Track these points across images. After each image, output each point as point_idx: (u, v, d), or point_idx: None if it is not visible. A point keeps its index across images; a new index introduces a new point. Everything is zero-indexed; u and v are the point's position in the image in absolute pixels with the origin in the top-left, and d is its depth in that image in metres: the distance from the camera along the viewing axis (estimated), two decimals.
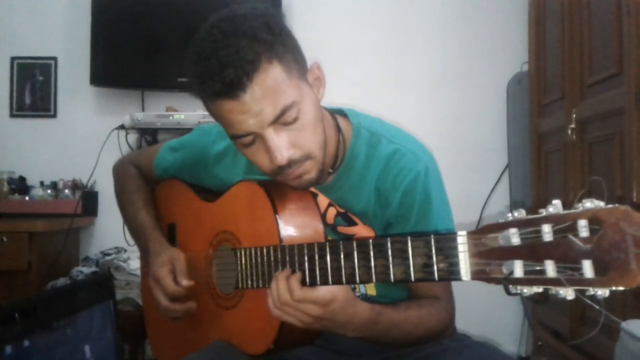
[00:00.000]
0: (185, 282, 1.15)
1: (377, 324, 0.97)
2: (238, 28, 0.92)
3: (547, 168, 2.37)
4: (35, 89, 2.87)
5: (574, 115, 2.02)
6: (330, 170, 1.11)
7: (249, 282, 1.05)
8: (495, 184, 2.80)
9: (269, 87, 0.92)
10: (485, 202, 2.78)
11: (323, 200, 1.13)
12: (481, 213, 2.78)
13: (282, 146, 0.96)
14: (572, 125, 2.02)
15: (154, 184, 1.39)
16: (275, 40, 0.94)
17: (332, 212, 1.13)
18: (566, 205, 0.64)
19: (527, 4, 2.54)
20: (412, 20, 2.86)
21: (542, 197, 2.38)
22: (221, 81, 0.90)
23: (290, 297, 0.91)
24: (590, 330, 1.88)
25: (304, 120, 0.97)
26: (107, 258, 2.49)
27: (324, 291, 0.90)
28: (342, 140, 1.11)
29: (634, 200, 1.60)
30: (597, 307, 0.61)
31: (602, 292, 0.59)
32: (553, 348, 2.20)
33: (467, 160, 2.78)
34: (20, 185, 2.69)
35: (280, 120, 0.94)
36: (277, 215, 1.02)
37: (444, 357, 1.04)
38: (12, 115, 2.88)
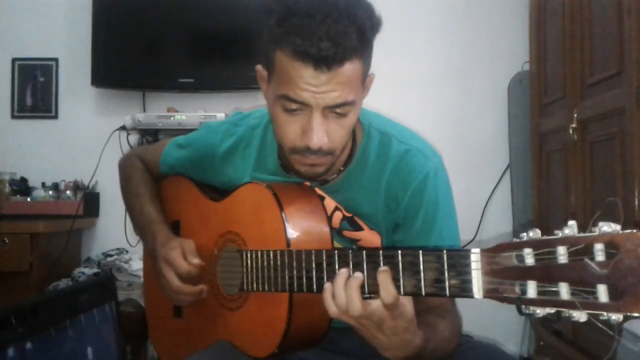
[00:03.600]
0: (195, 261, 1.15)
1: (424, 350, 0.89)
2: (352, 11, 0.93)
3: (548, 168, 2.37)
4: (36, 90, 2.87)
5: (575, 115, 2.02)
6: (342, 168, 1.11)
7: (254, 285, 1.05)
8: (497, 184, 2.80)
9: (346, 78, 0.94)
10: (487, 202, 2.78)
11: (330, 204, 1.13)
12: (482, 213, 2.78)
13: (322, 132, 0.97)
14: (574, 125, 2.02)
15: (159, 180, 1.38)
16: (370, 40, 0.96)
17: (338, 216, 1.13)
18: (576, 219, 0.62)
19: (528, 3, 2.54)
20: (413, 20, 2.85)
21: (544, 197, 2.38)
22: (317, 49, 0.90)
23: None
24: (592, 330, 1.88)
25: (349, 120, 0.99)
26: (109, 259, 2.50)
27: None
28: (354, 140, 1.12)
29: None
30: (611, 332, 0.61)
31: (616, 317, 0.59)
32: (555, 348, 2.19)
33: (468, 160, 2.77)
34: (21, 187, 2.69)
35: (334, 110, 0.96)
36: (284, 219, 1.01)
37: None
38: (13, 117, 2.88)
